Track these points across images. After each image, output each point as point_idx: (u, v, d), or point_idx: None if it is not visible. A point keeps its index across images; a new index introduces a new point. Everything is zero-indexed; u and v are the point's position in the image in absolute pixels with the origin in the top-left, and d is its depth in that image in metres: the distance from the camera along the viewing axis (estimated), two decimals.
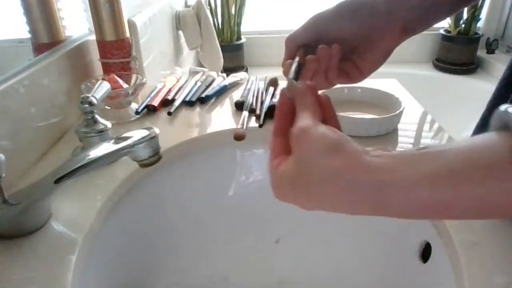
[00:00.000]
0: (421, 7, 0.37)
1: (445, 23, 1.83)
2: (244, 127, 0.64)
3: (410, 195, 0.22)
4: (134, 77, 0.72)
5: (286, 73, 0.37)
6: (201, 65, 1.61)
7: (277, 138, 0.30)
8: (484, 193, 0.20)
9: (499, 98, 0.53)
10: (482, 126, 0.56)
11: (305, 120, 0.26)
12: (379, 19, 0.36)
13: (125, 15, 0.73)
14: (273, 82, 0.79)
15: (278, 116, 0.31)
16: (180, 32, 1.41)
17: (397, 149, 0.60)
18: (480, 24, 1.80)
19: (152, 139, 0.42)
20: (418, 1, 0.37)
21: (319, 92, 0.31)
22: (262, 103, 0.70)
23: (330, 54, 0.37)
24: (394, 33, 0.37)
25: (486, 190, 0.20)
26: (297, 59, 0.37)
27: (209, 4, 1.68)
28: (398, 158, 0.23)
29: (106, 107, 0.68)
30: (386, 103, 0.66)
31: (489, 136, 0.21)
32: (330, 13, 0.37)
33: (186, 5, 1.57)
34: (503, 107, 0.22)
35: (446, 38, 1.80)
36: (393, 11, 0.36)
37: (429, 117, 0.68)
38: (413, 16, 0.37)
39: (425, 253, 0.48)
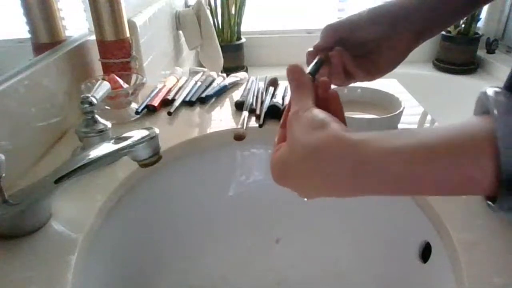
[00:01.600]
0: (436, 13, 0.40)
1: None
2: (244, 127, 0.64)
3: (386, 167, 0.22)
4: (134, 77, 0.72)
5: (308, 62, 0.40)
6: (201, 65, 1.61)
7: (281, 129, 0.31)
8: (457, 169, 0.21)
9: None
10: None
11: (298, 104, 0.28)
12: (398, 23, 0.40)
13: (125, 15, 0.73)
14: (273, 82, 0.79)
15: (286, 110, 0.33)
16: (180, 32, 1.41)
17: None
18: (480, 24, 1.80)
19: (152, 139, 0.42)
20: (433, 8, 0.40)
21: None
22: (262, 103, 0.70)
23: (340, 55, 0.41)
24: (409, 37, 0.41)
25: (459, 167, 0.21)
26: (318, 56, 0.40)
27: (209, 4, 1.68)
28: (376, 134, 0.24)
29: (106, 107, 0.68)
30: (386, 103, 0.66)
31: (467, 119, 0.22)
32: (365, 16, 0.41)
33: (186, 5, 1.57)
34: (483, 90, 0.23)
35: (446, 38, 1.80)
36: (410, 16, 0.40)
37: (429, 117, 0.68)
38: (428, 22, 0.41)
39: (425, 253, 0.48)
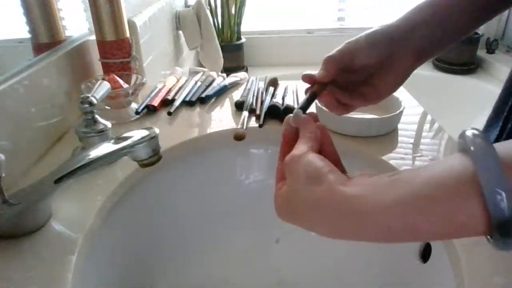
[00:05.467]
0: (433, 35, 0.40)
1: None
2: (244, 127, 0.64)
3: (381, 221, 0.23)
4: (134, 77, 0.72)
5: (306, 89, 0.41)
6: (201, 65, 1.61)
7: (280, 165, 0.33)
8: (444, 214, 0.22)
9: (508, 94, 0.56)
10: (489, 126, 0.59)
11: (297, 149, 0.29)
12: (394, 46, 0.40)
13: (125, 15, 0.73)
14: (273, 82, 0.79)
15: (282, 143, 0.34)
16: (180, 32, 1.41)
17: (397, 149, 0.59)
18: None
19: (152, 139, 0.42)
20: (429, 30, 0.40)
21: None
22: (262, 103, 0.70)
23: (330, 95, 0.42)
24: (407, 58, 0.40)
25: (446, 212, 0.21)
26: (312, 90, 0.40)
27: (209, 4, 1.68)
28: (371, 185, 0.25)
29: (106, 107, 0.68)
30: (386, 103, 0.66)
31: (451, 161, 0.23)
32: (363, 41, 0.40)
33: (186, 5, 1.57)
34: (465, 129, 0.24)
35: None
36: (406, 38, 0.40)
37: (429, 117, 0.68)
38: (426, 43, 0.40)
39: (425, 253, 0.48)
